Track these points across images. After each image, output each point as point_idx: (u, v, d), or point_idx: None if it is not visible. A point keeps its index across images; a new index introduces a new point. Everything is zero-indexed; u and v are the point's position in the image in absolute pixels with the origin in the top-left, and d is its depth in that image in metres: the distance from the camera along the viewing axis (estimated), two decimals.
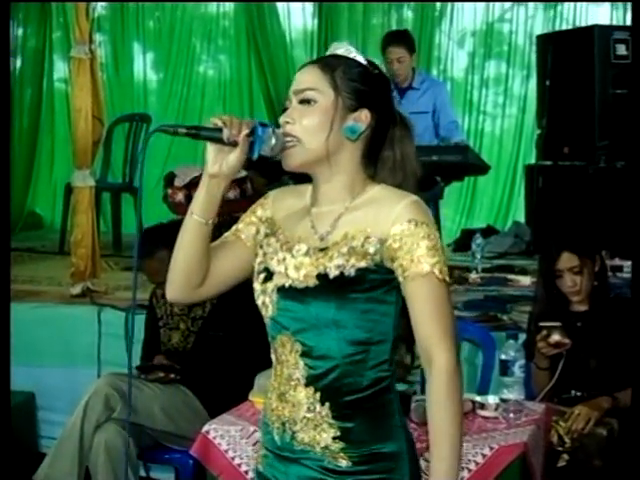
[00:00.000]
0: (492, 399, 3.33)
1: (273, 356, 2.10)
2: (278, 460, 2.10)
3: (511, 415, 3.26)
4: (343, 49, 2.10)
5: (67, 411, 4.32)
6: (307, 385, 2.02)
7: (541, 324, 3.84)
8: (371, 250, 1.99)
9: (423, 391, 2.09)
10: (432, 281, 1.98)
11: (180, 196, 5.99)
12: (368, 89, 2.07)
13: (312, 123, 2.03)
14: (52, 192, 9.31)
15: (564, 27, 8.29)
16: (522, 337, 3.90)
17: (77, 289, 5.43)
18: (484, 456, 3.01)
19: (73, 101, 5.67)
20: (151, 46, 9.73)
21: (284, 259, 2.06)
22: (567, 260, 3.87)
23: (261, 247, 2.12)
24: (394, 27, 8.45)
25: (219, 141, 2.00)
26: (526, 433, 3.15)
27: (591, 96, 6.69)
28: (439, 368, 1.98)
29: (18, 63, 9.33)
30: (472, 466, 3.01)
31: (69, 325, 5.13)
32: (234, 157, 2.01)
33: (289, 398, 2.04)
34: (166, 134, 2.02)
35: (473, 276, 5.66)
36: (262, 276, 2.08)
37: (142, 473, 4.33)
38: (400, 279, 1.99)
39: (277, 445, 2.08)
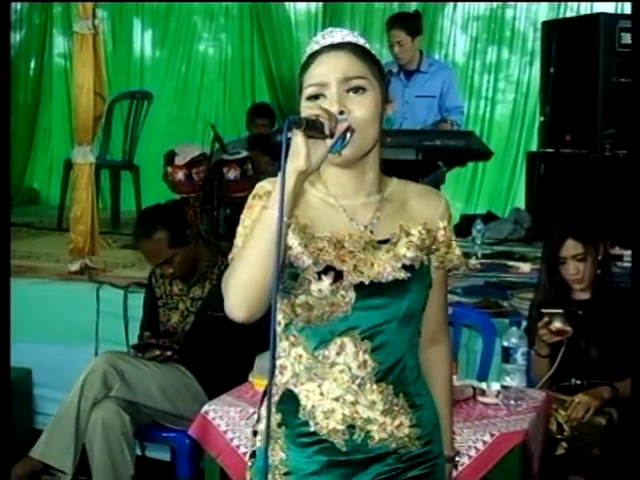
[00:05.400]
0: (493, 386, 3.32)
1: (312, 360, 1.95)
2: (343, 467, 1.97)
3: (512, 402, 3.24)
4: (351, 35, 1.97)
5: (64, 388, 4.30)
6: (378, 381, 1.95)
7: (543, 311, 3.82)
8: (439, 239, 2.06)
9: None
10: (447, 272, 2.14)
11: (180, 175, 5.96)
12: (387, 80, 2.03)
13: (368, 114, 1.92)
14: (49, 168, 9.27)
15: (568, 14, 8.26)
16: (524, 324, 3.89)
17: (75, 266, 5.39)
18: (484, 443, 3.01)
19: (75, 77, 5.61)
20: (150, 23, 9.66)
21: (343, 255, 1.94)
22: (571, 247, 3.86)
23: (305, 246, 1.93)
24: (396, 10, 8.40)
25: (321, 134, 1.81)
26: (527, 420, 3.14)
27: (595, 84, 6.68)
28: (448, 349, 2.18)
29: (20, 36, 9.28)
30: (472, 452, 3.00)
31: (67, 302, 5.10)
32: (325, 150, 1.83)
33: (358, 399, 1.94)
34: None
35: (473, 262, 5.63)
36: (331, 275, 1.92)
37: (138, 452, 4.31)
38: (435, 268, 2.07)
39: (342, 451, 1.96)
